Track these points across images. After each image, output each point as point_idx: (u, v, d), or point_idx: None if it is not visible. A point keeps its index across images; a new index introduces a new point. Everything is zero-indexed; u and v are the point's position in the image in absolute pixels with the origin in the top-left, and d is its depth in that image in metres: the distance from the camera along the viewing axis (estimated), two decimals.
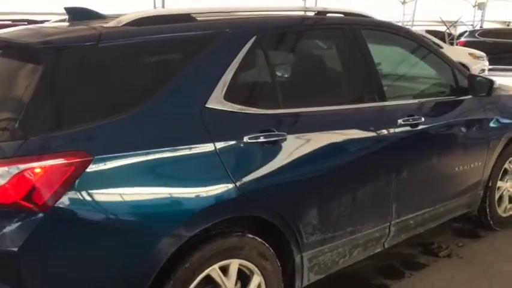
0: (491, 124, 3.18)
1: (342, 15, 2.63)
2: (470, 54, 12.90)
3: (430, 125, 2.74)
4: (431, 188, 2.86)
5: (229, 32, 2.07)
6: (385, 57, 2.87)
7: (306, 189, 2.18)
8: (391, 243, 2.79)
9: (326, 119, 2.28)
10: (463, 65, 12.80)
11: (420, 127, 2.66)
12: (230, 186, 1.89)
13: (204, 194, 1.83)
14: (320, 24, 2.50)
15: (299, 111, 2.18)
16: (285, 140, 2.08)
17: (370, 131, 2.42)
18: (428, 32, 22.40)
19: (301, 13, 2.68)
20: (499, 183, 3.45)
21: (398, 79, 3.20)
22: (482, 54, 13.35)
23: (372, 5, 21.08)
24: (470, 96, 3.04)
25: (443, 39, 19.07)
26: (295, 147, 2.11)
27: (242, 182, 1.93)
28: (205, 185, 1.84)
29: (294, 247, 2.19)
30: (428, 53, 2.97)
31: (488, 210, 3.40)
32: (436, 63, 3.05)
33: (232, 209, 1.94)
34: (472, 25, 23.76)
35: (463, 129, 2.99)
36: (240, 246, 1.99)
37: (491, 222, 3.46)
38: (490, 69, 13.80)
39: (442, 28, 20.76)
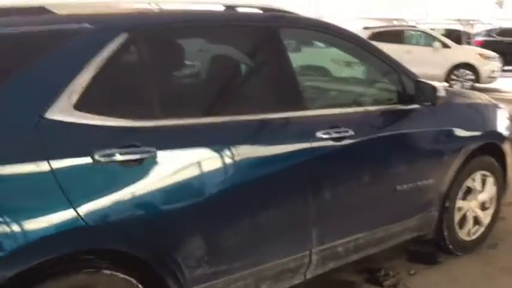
0: (446, 136, 2.78)
1: (259, 10, 2.28)
2: (479, 54, 12.28)
3: (361, 138, 2.35)
4: (366, 210, 2.48)
5: (89, 28, 1.74)
6: (312, 59, 2.53)
7: (183, 216, 1.83)
8: (316, 273, 2.41)
9: (216, 131, 1.93)
10: (471, 66, 12.45)
11: (348, 141, 2.29)
12: (67, 214, 1.56)
13: (28, 225, 1.50)
14: (220, 21, 2.13)
15: (177, 123, 1.83)
16: (154, 157, 1.74)
17: (276, 144, 2.06)
18: (447, 30, 21.88)
19: (207, 7, 2.33)
20: (460, 203, 3.04)
21: (326, 86, 2.82)
22: (494, 54, 12.70)
23: (383, 3, 20.61)
24: (420, 105, 2.65)
25: (459, 39, 18.51)
26: (168, 165, 1.76)
27: (87, 209, 1.59)
28: (31, 214, 1.51)
29: (173, 283, 1.86)
30: (369, 55, 2.58)
31: (446, 233, 3.00)
32: (378, 67, 2.67)
33: (73, 242, 1.61)
34: (490, 24, 22.97)
35: (407, 143, 2.60)
36: (91, 284, 1.67)
37: (450, 246, 3.05)
38: (505, 70, 13.16)
39: (457, 26, 20.17)
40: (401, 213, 2.67)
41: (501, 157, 3.23)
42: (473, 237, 3.18)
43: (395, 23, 20.42)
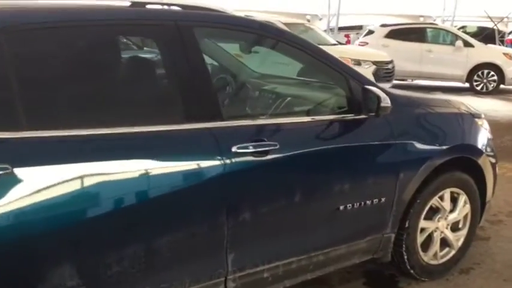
0: (403, 150, 2.48)
1: (176, 7, 2.04)
2: (505, 54, 11.63)
3: (291, 153, 2.10)
4: (299, 233, 2.21)
5: None
6: (236, 63, 2.27)
7: (47, 242, 1.61)
8: None
9: (99, 145, 1.70)
10: (496, 66, 11.81)
11: (273, 156, 2.03)
12: None
13: None
14: (109, 19, 1.85)
15: (44, 135, 1.60)
16: (9, 175, 1.52)
17: (178, 160, 1.83)
18: (479, 28, 20.95)
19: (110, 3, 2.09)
20: (424, 224, 2.73)
21: (253, 93, 2.55)
22: None
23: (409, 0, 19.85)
24: (368, 116, 2.35)
25: (492, 37, 17.68)
26: (27, 185, 1.54)
27: None
28: None
29: None
30: (308, 58, 2.30)
31: (406, 256, 2.70)
32: (319, 71, 2.40)
33: None
34: None
35: (352, 158, 2.32)
36: None
37: (412, 271, 2.75)
38: None
39: (491, 24, 19.25)
40: (346, 235, 2.40)
41: (479, 173, 2.91)
42: (442, 261, 2.87)
43: (421, 20, 19.70)
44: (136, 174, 1.73)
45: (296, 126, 2.18)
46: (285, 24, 9.15)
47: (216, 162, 1.89)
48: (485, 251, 3.23)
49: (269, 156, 2.02)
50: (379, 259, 2.66)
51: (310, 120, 2.25)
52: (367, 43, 11.90)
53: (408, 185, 2.52)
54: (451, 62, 11.74)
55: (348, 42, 16.70)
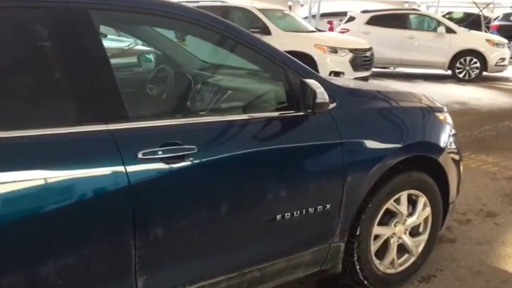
0: (351, 150, 2.20)
1: None
2: (487, 40, 11.40)
3: (213, 157, 1.81)
4: (227, 248, 1.94)
5: None
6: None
7: None
8: None
9: None
10: (479, 53, 11.58)
11: (190, 162, 1.75)
12: None
13: None
14: None
15: None
16: None
17: (61, 170, 1.52)
18: (466, 14, 20.71)
19: None
20: (378, 230, 2.47)
21: (169, 88, 2.25)
22: (503, 40, 11.82)
23: None
24: (308, 112, 2.07)
25: (478, 23, 17.46)
26: None
27: None
28: None
29: None
30: (238, 46, 2.00)
31: (358, 266, 2.45)
32: (253, 62, 2.11)
33: None
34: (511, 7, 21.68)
35: (289, 161, 2.02)
36: None
37: (366, 282, 2.51)
38: None
39: (477, 10, 19.00)
40: (285, 247, 2.13)
41: (440, 173, 2.66)
42: (400, 269, 2.62)
43: (406, 6, 19.41)
44: (9, 189, 1.44)
45: (220, 126, 1.89)
46: (261, 10, 8.84)
47: (117, 171, 1.60)
48: (449, 255, 2.99)
49: (185, 162, 1.74)
50: (328, 271, 2.41)
51: (237, 118, 1.95)
52: (348, 30, 11.62)
53: (357, 189, 2.26)
54: (433, 49, 11.50)
55: (331, 29, 16.39)
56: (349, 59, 8.18)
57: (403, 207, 2.52)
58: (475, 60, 11.29)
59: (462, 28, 12.04)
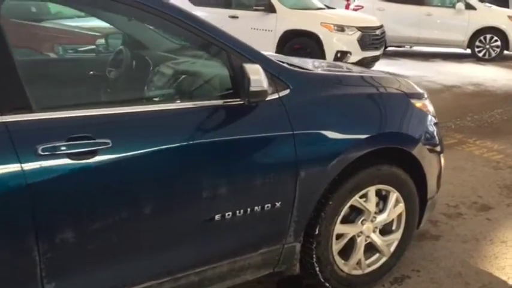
0: (305, 142, 1.97)
1: None
2: (509, 17, 10.78)
3: (135, 152, 1.62)
4: (154, 252, 1.75)
5: None
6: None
7: None
8: None
9: None
10: (500, 31, 10.98)
11: (102, 157, 1.56)
12: None
13: None
14: None
15: None
16: None
17: None
18: None
19: None
20: (342, 229, 2.26)
21: (87, 74, 2.04)
22: None
23: None
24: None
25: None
26: None
27: None
28: None
29: None
30: (169, 26, 1.77)
31: (318, 268, 2.25)
32: (194, 45, 1.89)
33: None
34: None
35: (229, 154, 1.81)
36: None
37: (327, 284, 2.31)
38: None
39: None
40: (228, 249, 1.93)
41: (415, 166, 2.42)
42: (368, 270, 2.40)
43: None
44: None
45: (142, 117, 1.68)
46: None
47: (11, 169, 1.43)
48: (430, 254, 2.76)
49: (97, 158, 1.56)
50: (284, 272, 2.23)
51: (166, 108, 1.75)
52: (362, 7, 11.16)
53: (313, 185, 2.04)
54: (451, 27, 10.96)
55: (347, 6, 15.85)
56: (357, 38, 7.79)
57: (371, 204, 2.29)
58: (495, 38, 10.73)
59: (483, 4, 11.41)
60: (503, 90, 7.65)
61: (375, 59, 8.48)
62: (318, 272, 2.25)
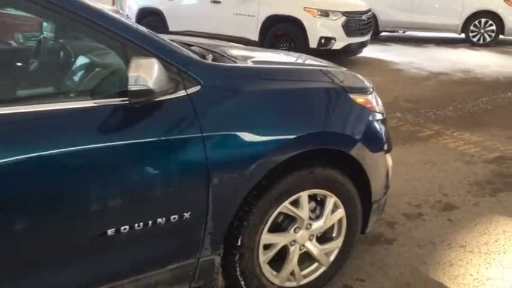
0: (217, 145, 1.75)
1: None
2: (506, 0, 10.44)
3: (6, 160, 1.42)
4: (31, 273, 1.56)
5: None
6: None
7: None
8: None
9: None
10: (495, 15, 10.63)
11: None
12: None
13: None
14: None
15: None
16: None
17: None
18: None
19: None
20: (270, 238, 2.05)
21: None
22: None
23: None
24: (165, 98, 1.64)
25: None
26: None
27: None
28: None
29: None
30: (62, 17, 1.56)
31: (243, 282, 2.05)
32: (87, 37, 1.66)
33: None
34: None
35: (121, 160, 1.59)
36: None
37: None
38: None
39: None
40: (125, 267, 1.72)
41: (356, 168, 2.20)
42: (305, 281, 2.21)
43: None
44: None
45: (23, 118, 1.47)
46: None
47: None
48: (380, 260, 2.56)
49: None
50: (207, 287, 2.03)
51: (42, 109, 1.52)
52: None
53: (230, 193, 1.83)
54: (445, 11, 10.64)
55: None
56: (342, 23, 7.50)
57: (303, 211, 2.08)
58: (490, 22, 10.41)
59: None
60: (492, 77, 7.38)
61: (362, 45, 8.20)
62: (244, 286, 2.06)
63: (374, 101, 2.32)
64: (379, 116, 2.31)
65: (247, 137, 1.83)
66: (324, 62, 2.64)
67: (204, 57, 1.99)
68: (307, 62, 2.55)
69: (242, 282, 2.04)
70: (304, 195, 2.07)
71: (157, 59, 1.61)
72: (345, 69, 2.56)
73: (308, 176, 2.06)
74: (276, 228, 2.09)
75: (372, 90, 2.34)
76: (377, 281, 2.39)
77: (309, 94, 2.05)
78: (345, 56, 8.29)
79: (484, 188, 3.44)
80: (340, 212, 2.22)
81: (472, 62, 8.59)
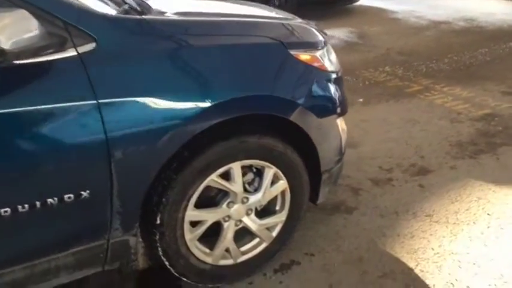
0: (117, 114, 1.49)
1: None
2: None
3: None
4: None
5: None
6: None
7: None
8: None
9: None
10: None
11: None
12: None
13: None
14: None
15: None
16: None
17: None
18: None
19: None
20: (197, 215, 1.82)
21: None
22: None
23: None
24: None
25: None
26: None
27: None
28: None
29: None
30: None
31: (167, 262, 1.86)
32: None
33: None
34: None
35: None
36: None
37: (185, 279, 1.93)
38: None
39: None
40: (14, 252, 1.53)
41: (300, 135, 1.94)
42: (243, 258, 2.01)
43: None
44: None
45: None
46: None
47: None
48: (336, 232, 2.34)
49: None
50: (125, 269, 1.84)
51: None
52: None
53: (138, 167, 1.60)
54: None
55: None
56: None
57: (236, 184, 1.85)
58: None
59: None
60: (496, 26, 6.89)
61: None
62: (169, 267, 1.86)
63: (325, 57, 2.03)
64: (330, 76, 2.03)
65: (156, 103, 1.57)
66: (280, 14, 2.33)
67: (123, 10, 1.71)
68: (253, 14, 2.24)
69: (167, 263, 1.84)
70: (235, 167, 1.83)
71: (29, 10, 1.34)
72: (300, 20, 2.25)
73: (239, 146, 1.80)
74: (207, 203, 1.88)
75: (323, 45, 2.04)
76: (328, 255, 2.18)
77: (234, 52, 1.75)
78: (342, 4, 7.84)
79: (465, 150, 3.17)
80: (282, 184, 1.98)
81: (477, 10, 8.04)
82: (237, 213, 1.92)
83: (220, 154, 1.78)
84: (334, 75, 2.05)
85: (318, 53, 1.98)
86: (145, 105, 1.56)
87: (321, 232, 2.34)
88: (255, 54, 1.80)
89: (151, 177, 1.65)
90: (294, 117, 1.87)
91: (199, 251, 1.90)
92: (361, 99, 4.08)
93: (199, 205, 1.84)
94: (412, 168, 2.93)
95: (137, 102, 1.55)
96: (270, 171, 1.93)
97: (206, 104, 1.65)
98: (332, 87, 2.03)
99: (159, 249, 1.81)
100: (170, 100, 1.60)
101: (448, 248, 2.21)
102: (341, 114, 2.10)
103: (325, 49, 2.06)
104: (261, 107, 1.80)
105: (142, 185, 1.65)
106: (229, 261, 1.99)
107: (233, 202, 1.90)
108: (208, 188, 1.82)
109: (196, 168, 1.74)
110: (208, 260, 1.94)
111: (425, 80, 4.61)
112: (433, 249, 2.20)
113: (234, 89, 1.72)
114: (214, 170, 1.79)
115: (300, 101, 1.87)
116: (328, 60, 2.05)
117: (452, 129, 3.49)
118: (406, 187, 2.72)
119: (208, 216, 1.87)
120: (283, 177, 1.97)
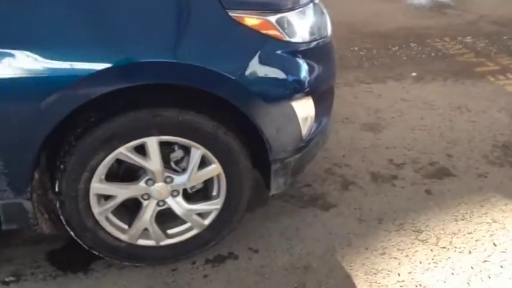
0: None
1: None
2: None
3: None
4: None
5: None
6: None
7: None
8: None
9: None
10: None
11: None
12: None
13: None
14: None
15: None
16: None
17: None
18: None
19: None
20: (104, 188, 1.61)
21: None
22: None
23: None
24: None
25: None
26: None
27: None
28: None
29: None
30: None
31: (73, 233, 1.66)
32: None
33: None
34: None
35: None
36: None
37: (96, 252, 1.75)
38: None
39: None
40: None
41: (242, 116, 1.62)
42: (168, 241, 1.78)
43: None
44: None
45: None
46: None
47: None
48: (296, 229, 1.98)
49: None
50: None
51: None
52: None
53: (20, 128, 1.42)
54: None
55: None
56: None
57: (151, 161, 1.60)
58: None
59: None
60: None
61: None
62: (76, 238, 1.71)
63: (290, 23, 1.63)
64: (295, 48, 1.64)
65: (37, 58, 1.35)
66: None
67: None
68: None
69: (72, 233, 1.70)
70: (151, 142, 1.58)
71: None
72: None
73: (151, 120, 1.54)
74: (123, 177, 1.68)
75: (289, 6, 1.63)
76: (273, 255, 1.88)
77: (146, 4, 1.45)
78: None
79: (510, 155, 2.56)
80: (214, 168, 1.69)
81: None
82: (158, 192, 1.69)
83: (128, 125, 1.54)
84: (299, 47, 1.66)
85: (274, 18, 1.59)
86: (18, 60, 1.35)
87: (281, 226, 2.03)
88: (173, 10, 1.48)
89: (37, 140, 1.48)
90: (226, 94, 1.55)
91: (113, 226, 1.73)
92: (414, 73, 3.51)
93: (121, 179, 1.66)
94: (429, 167, 2.44)
95: (9, 54, 1.35)
96: (197, 152, 1.65)
97: (101, 66, 1.39)
98: (294, 63, 1.65)
99: (62, 217, 1.67)
100: (55, 55, 1.37)
101: (418, 278, 1.78)
102: (308, 94, 1.72)
103: (294, 11, 1.65)
104: (174, 76, 1.49)
105: (28, 148, 1.48)
106: (150, 242, 1.79)
107: (152, 180, 1.67)
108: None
109: (98, 137, 1.53)
110: (124, 237, 1.75)
111: (508, 59, 3.84)
112: (399, 274, 1.79)
113: (141, 51, 1.43)
114: (123, 142, 1.56)
115: (236, 76, 1.53)
116: (296, 27, 1.65)
117: (508, 127, 2.85)
118: (408, 190, 2.27)
119: (119, 192, 1.66)
120: (216, 161, 1.69)
